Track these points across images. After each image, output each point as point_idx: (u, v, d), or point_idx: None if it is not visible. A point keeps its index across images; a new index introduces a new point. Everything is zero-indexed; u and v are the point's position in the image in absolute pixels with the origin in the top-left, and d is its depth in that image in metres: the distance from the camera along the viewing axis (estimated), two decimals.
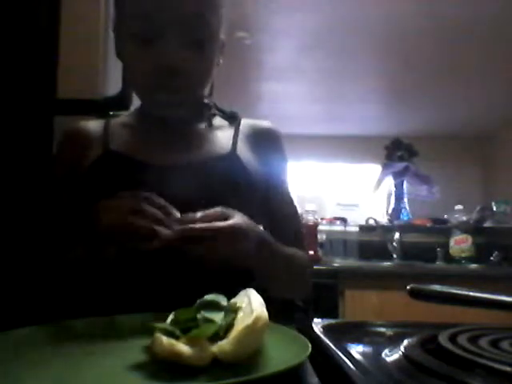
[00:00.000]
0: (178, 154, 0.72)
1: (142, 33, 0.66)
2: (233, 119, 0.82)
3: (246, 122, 0.82)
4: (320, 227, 2.76)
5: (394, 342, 0.43)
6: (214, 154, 0.72)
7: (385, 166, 3.18)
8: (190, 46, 0.67)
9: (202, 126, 0.79)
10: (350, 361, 0.37)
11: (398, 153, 3.14)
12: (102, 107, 1.11)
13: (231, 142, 0.75)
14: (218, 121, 0.82)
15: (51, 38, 1.20)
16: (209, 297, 0.43)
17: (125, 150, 0.72)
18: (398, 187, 3.10)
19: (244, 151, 0.75)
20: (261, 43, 2.55)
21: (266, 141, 0.81)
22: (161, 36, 0.65)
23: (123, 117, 0.83)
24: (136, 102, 0.87)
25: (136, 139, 0.75)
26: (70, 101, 1.10)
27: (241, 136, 0.78)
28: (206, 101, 0.81)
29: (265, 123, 0.84)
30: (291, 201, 0.83)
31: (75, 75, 1.17)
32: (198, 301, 0.43)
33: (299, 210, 0.87)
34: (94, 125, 0.78)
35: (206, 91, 0.78)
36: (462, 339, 0.40)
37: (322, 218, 2.94)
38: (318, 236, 2.68)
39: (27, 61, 1.20)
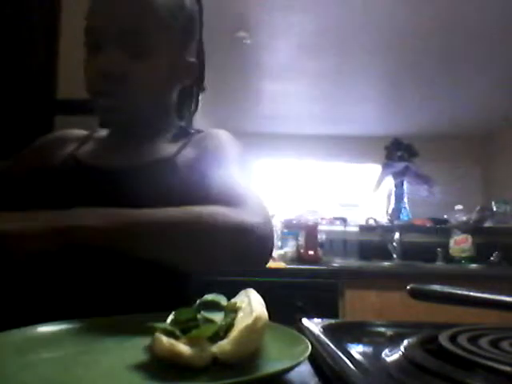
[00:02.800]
0: (125, 158, 0.77)
1: (90, 43, 0.73)
2: (187, 133, 0.84)
3: (201, 134, 0.83)
4: (320, 227, 2.76)
5: (394, 342, 0.43)
6: (150, 160, 0.76)
7: (385, 166, 3.18)
8: (129, 56, 0.72)
9: (162, 135, 0.82)
10: (350, 361, 0.37)
11: (398, 153, 3.14)
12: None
13: (175, 150, 0.78)
14: (182, 131, 0.85)
15: (51, 38, 1.20)
16: (209, 297, 0.43)
17: (82, 157, 0.80)
18: (398, 187, 3.10)
19: (187, 158, 0.76)
20: (261, 43, 2.55)
21: (207, 144, 0.79)
22: (104, 46, 0.72)
23: (103, 130, 0.88)
24: None
25: (98, 148, 0.82)
26: (70, 101, 1.10)
27: (190, 145, 0.80)
28: (166, 118, 0.85)
29: (215, 130, 0.82)
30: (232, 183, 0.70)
31: (75, 75, 1.17)
32: (198, 301, 0.43)
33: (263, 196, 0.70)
34: (75, 134, 0.88)
35: (165, 109, 0.82)
36: (462, 339, 0.40)
37: (322, 218, 2.94)
38: (318, 236, 2.68)
39: (27, 61, 1.20)
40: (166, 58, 0.75)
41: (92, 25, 0.72)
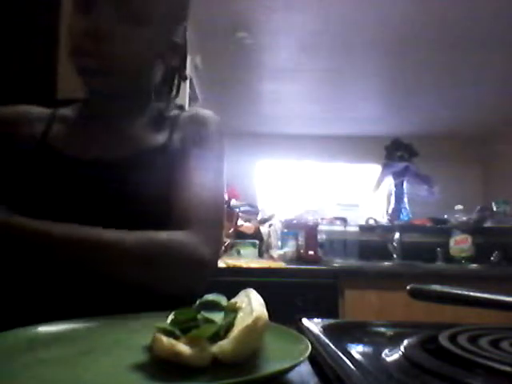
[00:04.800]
0: (110, 148, 0.73)
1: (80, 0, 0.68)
2: (177, 111, 0.82)
3: (186, 113, 0.82)
4: (320, 227, 2.76)
5: (393, 342, 0.43)
6: (145, 148, 0.74)
7: (385, 166, 3.17)
8: (125, 20, 0.68)
9: (143, 119, 0.79)
10: (350, 361, 0.37)
11: (397, 153, 3.14)
12: None
13: (167, 135, 0.76)
14: (164, 114, 0.82)
15: (51, 38, 1.20)
16: (209, 297, 0.43)
17: (57, 144, 0.73)
18: (398, 187, 3.09)
19: (175, 147, 0.76)
20: (261, 43, 2.55)
21: (194, 129, 0.78)
22: (96, 4, 0.67)
23: (68, 109, 0.82)
24: None
25: (72, 133, 0.76)
26: (70, 101, 1.10)
27: (177, 128, 0.78)
28: (151, 94, 0.82)
29: (199, 111, 0.82)
30: (199, 185, 0.71)
31: (75, 75, 1.17)
32: (199, 301, 0.43)
33: (220, 196, 0.74)
34: (37, 112, 0.80)
35: (147, 87, 0.79)
36: (462, 339, 0.40)
37: (322, 218, 2.94)
38: (318, 236, 2.68)
39: (27, 61, 1.20)
40: (157, 30, 0.72)
41: None
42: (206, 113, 0.81)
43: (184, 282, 0.64)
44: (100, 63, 0.68)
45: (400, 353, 0.39)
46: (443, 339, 0.40)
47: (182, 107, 0.85)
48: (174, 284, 0.64)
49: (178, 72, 0.85)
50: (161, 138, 0.76)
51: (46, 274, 0.64)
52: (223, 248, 2.33)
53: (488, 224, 2.83)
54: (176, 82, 0.86)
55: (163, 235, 0.63)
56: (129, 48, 0.69)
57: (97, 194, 0.68)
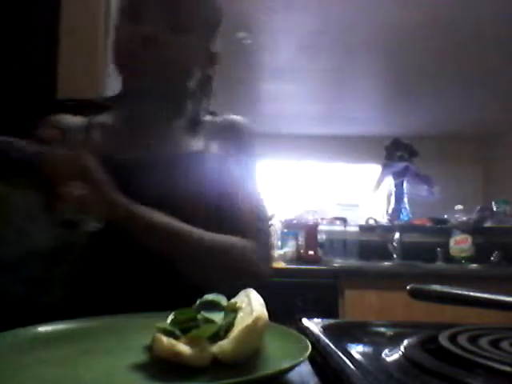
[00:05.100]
0: (151, 151, 0.75)
1: (128, 8, 0.72)
2: (210, 117, 0.85)
3: (219, 119, 0.85)
4: (320, 227, 2.76)
5: (393, 342, 0.43)
6: (184, 152, 0.76)
7: (385, 166, 3.17)
8: (172, 27, 0.72)
9: (179, 124, 0.81)
10: (350, 361, 0.37)
11: (397, 153, 3.14)
12: (102, 107, 1.11)
13: (204, 140, 0.79)
14: (198, 119, 0.84)
15: (51, 38, 1.20)
16: (209, 297, 0.43)
17: (103, 150, 0.74)
18: (398, 187, 3.09)
19: (215, 148, 0.79)
20: (261, 43, 2.55)
21: (232, 136, 0.82)
22: (145, 12, 0.71)
23: (103, 116, 0.84)
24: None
25: (110, 138, 0.78)
26: (70, 101, 1.10)
27: (213, 133, 0.81)
28: (190, 99, 0.84)
29: (233, 118, 0.85)
30: (249, 195, 0.78)
31: (75, 75, 1.17)
32: (199, 301, 0.43)
33: (265, 205, 0.80)
34: (74, 120, 0.81)
35: (191, 88, 0.81)
36: (462, 339, 0.40)
37: (322, 218, 2.94)
38: (318, 236, 2.68)
39: (27, 61, 1.20)
40: (196, 37, 0.76)
41: None
42: (238, 118, 0.85)
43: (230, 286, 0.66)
44: (143, 67, 0.71)
45: (400, 353, 0.39)
46: (443, 339, 0.40)
47: (213, 113, 0.87)
48: (223, 284, 0.66)
49: (210, 81, 0.87)
50: (197, 143, 0.78)
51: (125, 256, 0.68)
52: None
53: (488, 224, 2.83)
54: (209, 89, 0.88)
55: (233, 240, 0.70)
56: (171, 54, 0.72)
57: (135, 197, 0.69)
